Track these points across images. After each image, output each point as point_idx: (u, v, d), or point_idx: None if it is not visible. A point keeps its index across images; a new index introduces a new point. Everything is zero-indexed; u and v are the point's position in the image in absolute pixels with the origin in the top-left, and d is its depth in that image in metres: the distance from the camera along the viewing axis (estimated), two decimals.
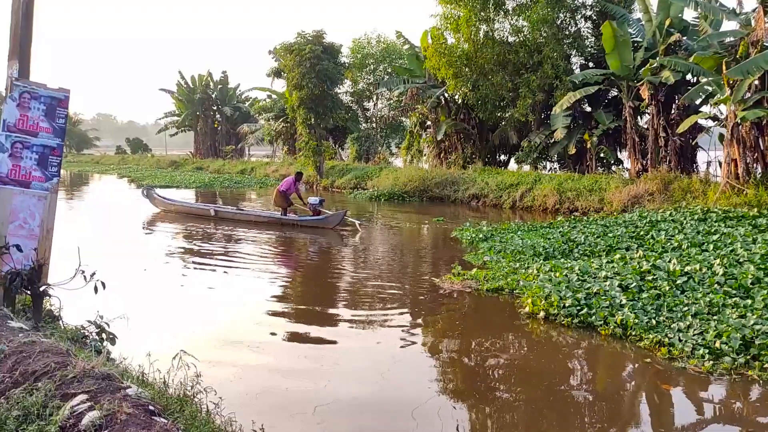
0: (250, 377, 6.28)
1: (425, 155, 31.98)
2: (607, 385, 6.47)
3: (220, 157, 52.57)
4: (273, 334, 7.85)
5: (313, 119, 30.86)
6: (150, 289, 10.28)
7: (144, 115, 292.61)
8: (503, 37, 25.97)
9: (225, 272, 11.66)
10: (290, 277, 11.79)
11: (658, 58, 19.94)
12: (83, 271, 5.76)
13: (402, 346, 7.45)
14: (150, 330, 7.56)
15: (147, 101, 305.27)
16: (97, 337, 5.52)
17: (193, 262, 12.60)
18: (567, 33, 24.97)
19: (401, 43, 34.18)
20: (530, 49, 25.01)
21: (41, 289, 5.72)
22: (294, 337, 7.78)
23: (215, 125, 56.31)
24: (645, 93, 20.10)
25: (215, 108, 56.15)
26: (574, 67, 25.56)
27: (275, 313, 8.85)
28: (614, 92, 24.31)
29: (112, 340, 5.53)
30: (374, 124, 40.72)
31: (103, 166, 58.07)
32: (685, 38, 20.60)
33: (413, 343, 7.65)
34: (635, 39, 22.58)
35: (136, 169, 49.41)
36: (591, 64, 25.17)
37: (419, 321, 8.62)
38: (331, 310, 9.30)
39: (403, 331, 8.07)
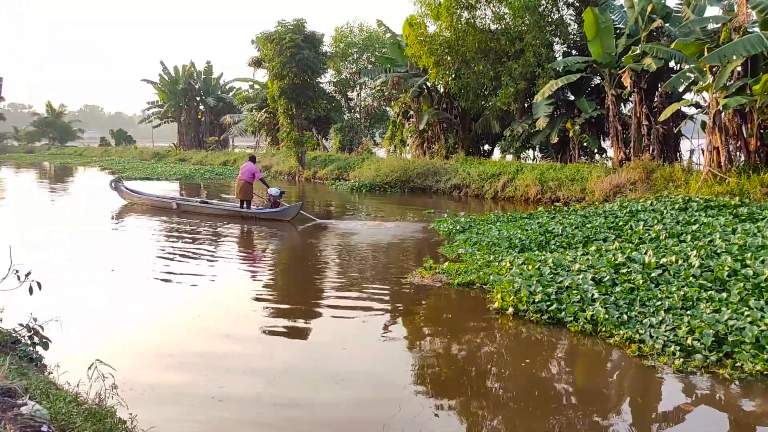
0: (190, 388, 5.92)
1: (408, 145, 31.56)
2: (572, 385, 6.13)
3: (203, 148, 51.94)
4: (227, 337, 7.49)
5: (294, 109, 30.37)
6: (107, 288, 9.88)
7: (131, 107, 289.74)
8: (485, 24, 25.51)
9: (193, 270, 11.28)
10: (252, 272, 11.42)
11: (640, 45, 19.58)
12: (17, 271, 5.36)
13: (350, 345, 7.11)
14: (95, 332, 7.18)
15: (134, 92, 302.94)
16: (29, 342, 5.12)
17: (159, 258, 12.20)
18: (549, 20, 24.56)
19: (383, 32, 33.71)
20: (512, 37, 24.59)
21: None
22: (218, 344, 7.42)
23: (198, 116, 55.60)
24: (627, 80, 19.75)
25: (198, 99, 55.43)
26: (557, 55, 25.16)
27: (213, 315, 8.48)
28: (597, 80, 23.97)
29: (45, 344, 5.14)
30: (358, 114, 40.24)
31: (86, 158, 57.28)
32: (667, 24, 20.23)
33: (366, 341, 7.30)
34: (617, 25, 22.20)
35: (119, 161, 48.77)
36: (574, 52, 24.81)
37: (379, 317, 8.23)
38: (283, 305, 8.93)
39: (356, 328, 7.73)
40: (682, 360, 6.10)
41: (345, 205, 22.00)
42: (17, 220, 18.15)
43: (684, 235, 10.83)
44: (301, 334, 7.66)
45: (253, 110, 41.62)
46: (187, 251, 12.85)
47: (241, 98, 45.91)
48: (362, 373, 6.33)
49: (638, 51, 19.38)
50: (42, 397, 3.64)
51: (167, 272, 10.90)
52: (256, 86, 42.67)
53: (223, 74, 61.40)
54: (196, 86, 55.13)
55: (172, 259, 11.98)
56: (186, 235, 15.05)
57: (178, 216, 17.94)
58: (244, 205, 17.86)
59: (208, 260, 12.01)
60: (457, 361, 6.66)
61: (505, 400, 5.71)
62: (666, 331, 6.72)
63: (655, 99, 20.75)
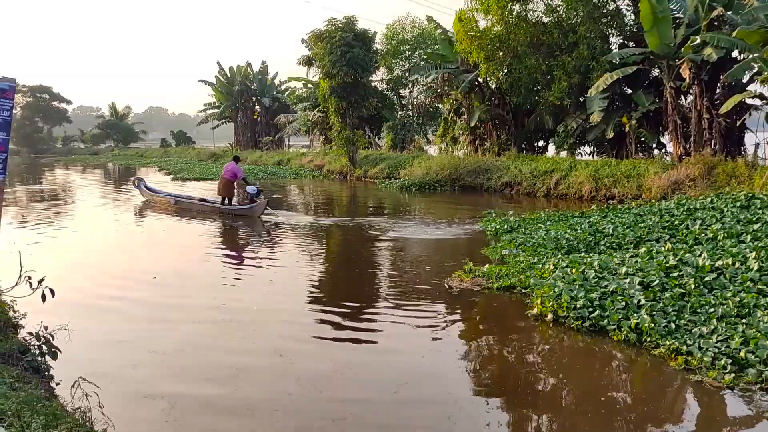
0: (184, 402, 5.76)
1: (459, 142, 31.08)
2: (608, 400, 5.66)
3: (258, 148, 52.50)
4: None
5: (345, 108, 30.28)
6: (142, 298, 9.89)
7: (195, 108, 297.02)
8: (537, 17, 24.90)
9: (242, 272, 11.22)
10: (294, 276, 11.25)
11: (699, 35, 18.67)
12: (29, 278, 5.32)
13: (369, 353, 6.85)
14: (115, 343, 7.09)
15: (197, 94, 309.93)
16: (38, 352, 5.04)
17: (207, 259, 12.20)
18: (604, 11, 23.73)
19: (433, 28, 33.30)
20: (565, 29, 23.91)
21: None
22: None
23: (254, 116, 56.25)
24: (686, 72, 18.89)
25: (254, 99, 56.07)
26: (612, 47, 24.32)
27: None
28: (654, 72, 23.04)
29: (54, 354, 5.06)
30: (410, 112, 39.89)
31: (146, 159, 58.66)
32: (729, 12, 19.20)
33: (389, 349, 7.01)
34: (676, 15, 21.22)
35: (177, 162, 49.70)
36: (631, 44, 23.91)
37: (410, 324, 7.84)
38: (317, 307, 8.72)
39: (381, 337, 7.44)
40: (733, 375, 5.62)
41: (382, 204, 21.75)
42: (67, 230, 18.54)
43: (744, 235, 10.16)
44: (349, 337, 7.43)
45: (307, 109, 41.80)
46: (233, 255, 12.83)
47: (294, 98, 46.15)
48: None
49: (698, 41, 18.50)
50: (13, 419, 3.44)
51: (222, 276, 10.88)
52: (309, 85, 42.80)
53: (278, 74, 61.75)
54: (252, 86, 55.79)
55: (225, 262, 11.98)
56: (231, 238, 15.09)
57: (196, 213, 18.76)
58: (225, 202, 18.73)
59: (256, 262, 11.95)
60: (487, 371, 6.32)
61: (537, 413, 5.35)
62: (717, 342, 6.22)
63: (717, 91, 19.82)
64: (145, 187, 22.40)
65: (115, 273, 10.85)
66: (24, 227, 16.13)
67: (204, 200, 19.90)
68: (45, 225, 16.52)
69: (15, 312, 6.08)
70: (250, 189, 18.43)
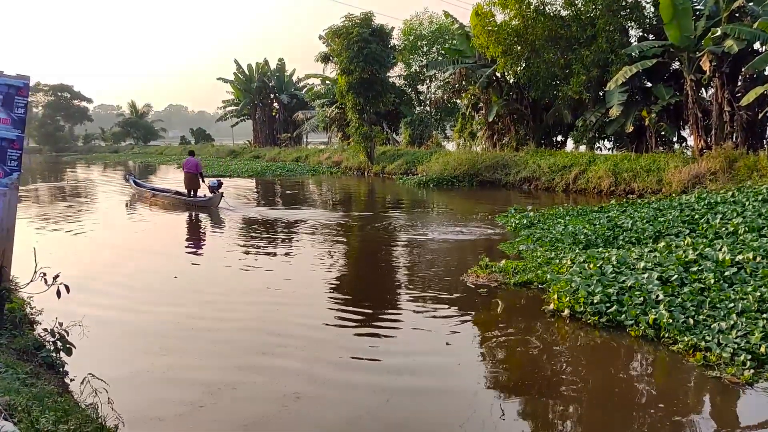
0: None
1: (478, 138, 30.94)
2: (625, 396, 5.60)
3: (277, 145, 52.65)
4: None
5: (362, 104, 30.26)
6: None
7: (214, 106, 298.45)
8: (555, 11, 24.69)
9: (259, 266, 11.27)
10: (312, 271, 11.27)
11: (720, 26, 18.42)
12: (44, 274, 5.37)
13: (378, 348, 6.86)
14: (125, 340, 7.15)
15: (217, 91, 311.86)
16: (52, 348, 5.09)
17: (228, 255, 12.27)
18: (623, 3, 23.45)
19: (450, 23, 33.17)
20: (584, 23, 23.69)
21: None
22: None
23: (273, 113, 56.40)
24: (707, 64, 18.63)
25: (272, 96, 56.21)
26: (631, 40, 24.06)
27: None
28: (675, 65, 22.74)
29: (69, 350, 5.10)
30: (428, 108, 39.79)
31: (166, 157, 59.08)
32: (750, 3, 18.93)
33: (407, 342, 7.00)
34: (696, 7, 20.97)
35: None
36: (651, 36, 23.63)
37: (426, 318, 7.85)
38: (335, 302, 8.73)
39: (394, 330, 7.46)
40: (753, 371, 5.54)
41: (399, 200, 21.73)
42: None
43: (765, 229, 10.03)
44: (368, 332, 7.46)
45: (324, 106, 41.82)
46: (252, 249, 12.89)
47: (312, 94, 46.22)
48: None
49: (719, 33, 18.25)
50: (23, 414, 3.47)
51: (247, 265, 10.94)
52: (327, 82, 42.84)
53: (296, 70, 61.95)
54: (270, 83, 55.92)
55: (249, 254, 12.04)
56: (247, 235, 15.15)
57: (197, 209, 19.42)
58: (191, 193, 20.22)
59: (272, 257, 12.00)
60: (504, 365, 6.29)
61: (553, 408, 5.31)
62: (737, 337, 6.15)
63: (738, 83, 19.54)
64: (134, 182, 24.49)
65: (133, 271, 10.94)
66: (46, 225, 16.35)
67: (179, 193, 21.26)
68: (67, 222, 16.72)
69: (32, 308, 6.16)
70: (211, 182, 19.63)
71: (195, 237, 15.59)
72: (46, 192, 27.93)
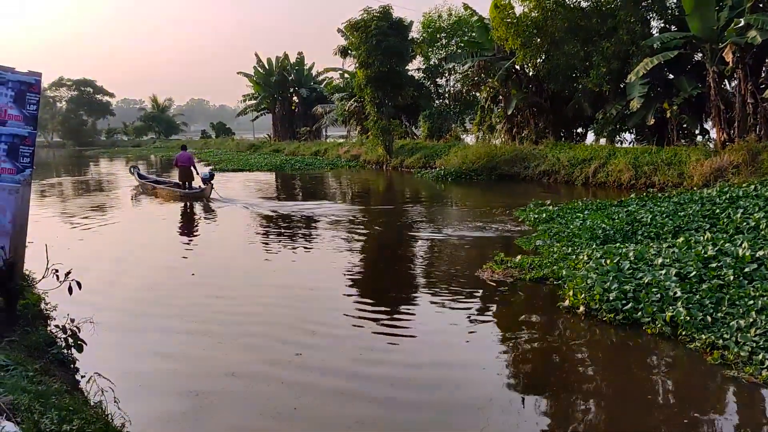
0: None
1: (497, 131, 30.76)
2: (640, 396, 5.52)
3: (296, 139, 52.76)
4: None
5: (380, 98, 30.21)
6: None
7: (235, 100, 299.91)
8: (575, 2, 24.44)
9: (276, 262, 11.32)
10: (331, 268, 11.28)
11: (743, 17, 18.11)
12: (56, 270, 5.43)
13: (406, 339, 6.84)
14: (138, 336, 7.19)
15: (237, 85, 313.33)
16: (64, 344, 5.14)
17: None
18: None
19: (469, 15, 32.97)
20: (604, 14, 23.43)
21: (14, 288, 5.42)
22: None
23: (292, 107, 56.53)
24: (729, 56, 18.34)
25: (292, 90, 56.34)
26: (653, 32, 23.75)
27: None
28: (697, 57, 22.40)
29: (80, 347, 5.14)
30: (447, 101, 39.61)
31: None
32: None
33: (424, 335, 6.99)
34: None
35: (216, 153, 50.21)
36: (672, 27, 23.31)
37: (442, 314, 7.85)
38: (352, 294, 8.73)
39: (415, 324, 7.47)
40: None
41: (417, 195, 21.67)
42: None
43: None
44: (385, 327, 7.47)
45: (343, 99, 41.82)
46: (272, 244, 12.95)
47: (331, 88, 46.21)
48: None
49: (742, 23, 17.95)
50: (26, 414, 3.49)
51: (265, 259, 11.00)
52: (346, 75, 42.83)
53: (315, 64, 61.89)
54: (290, 77, 56.05)
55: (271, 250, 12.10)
56: (265, 231, 15.22)
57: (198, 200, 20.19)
58: (186, 185, 21.16)
59: (293, 250, 12.05)
60: (519, 361, 6.26)
61: (568, 405, 5.27)
62: (756, 335, 6.05)
63: (762, 75, 19.23)
64: (138, 174, 25.55)
65: (150, 268, 11.03)
66: (67, 219, 16.54)
67: (177, 185, 22.07)
68: (87, 218, 16.89)
69: (47, 304, 6.22)
70: (203, 174, 20.46)
71: (212, 232, 15.67)
72: (70, 186, 28.26)
